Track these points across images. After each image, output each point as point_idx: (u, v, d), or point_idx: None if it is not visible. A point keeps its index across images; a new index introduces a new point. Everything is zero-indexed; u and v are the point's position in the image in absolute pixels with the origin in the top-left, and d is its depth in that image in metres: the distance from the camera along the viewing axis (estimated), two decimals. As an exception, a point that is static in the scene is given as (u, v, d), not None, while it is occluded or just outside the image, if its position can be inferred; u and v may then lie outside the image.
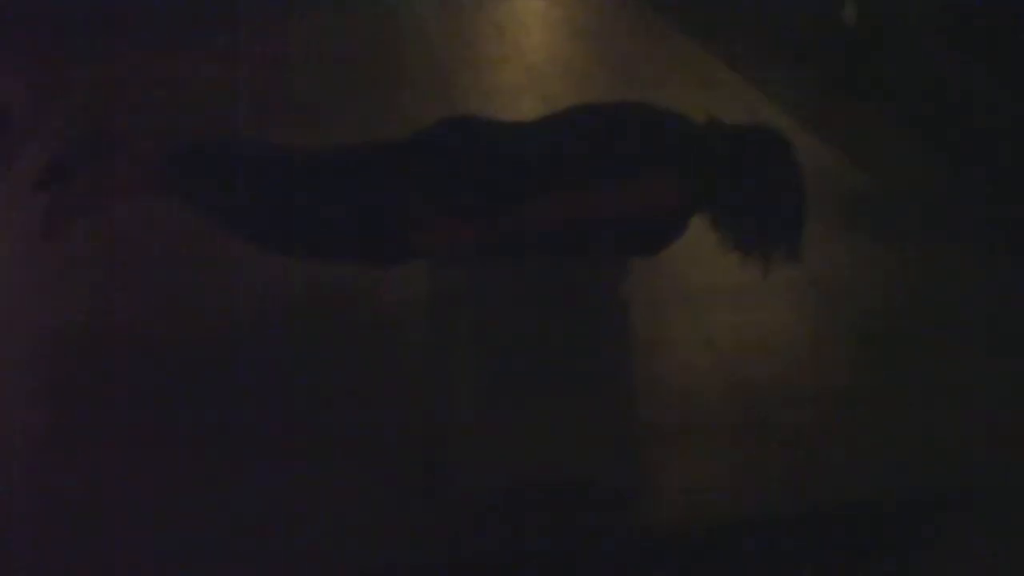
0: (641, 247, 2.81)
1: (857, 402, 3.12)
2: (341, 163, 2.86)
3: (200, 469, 2.83)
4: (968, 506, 2.73)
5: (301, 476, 2.81)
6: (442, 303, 2.78)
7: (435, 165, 2.78)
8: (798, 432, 2.98)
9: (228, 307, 3.57)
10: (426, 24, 7.19)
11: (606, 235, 2.72)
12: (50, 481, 2.82)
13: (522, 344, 2.74)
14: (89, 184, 3.01)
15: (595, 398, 2.76)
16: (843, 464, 2.87)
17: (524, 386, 2.74)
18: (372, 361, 3.28)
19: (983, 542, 2.62)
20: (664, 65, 6.15)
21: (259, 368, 3.23)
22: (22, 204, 4.37)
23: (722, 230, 2.80)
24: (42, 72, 5.95)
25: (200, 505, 2.72)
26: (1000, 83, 4.85)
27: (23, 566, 2.55)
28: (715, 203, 2.78)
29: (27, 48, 6.29)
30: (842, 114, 5.28)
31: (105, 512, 2.71)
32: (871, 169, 4.63)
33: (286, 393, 3.13)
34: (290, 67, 6.16)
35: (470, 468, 2.73)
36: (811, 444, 2.94)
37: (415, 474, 2.81)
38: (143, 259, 3.93)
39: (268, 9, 7.08)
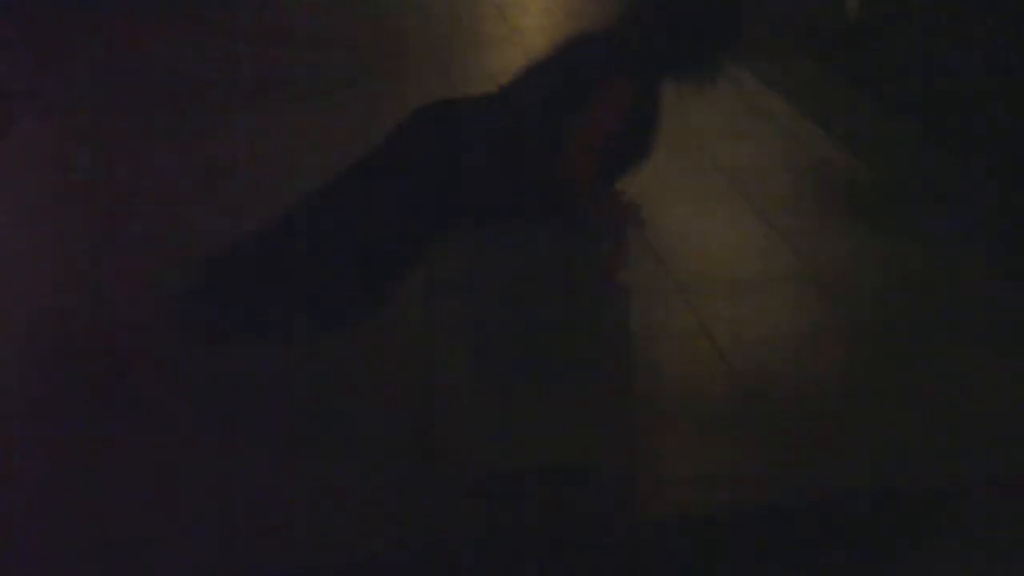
0: (624, 161, 2.80)
1: (856, 395, 3.11)
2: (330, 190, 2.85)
3: (195, 455, 2.84)
4: (966, 502, 2.73)
5: (299, 460, 2.81)
6: (440, 290, 2.77)
7: (420, 159, 2.77)
8: (797, 424, 2.98)
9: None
10: (429, 4, 7.17)
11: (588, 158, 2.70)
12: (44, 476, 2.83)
13: (520, 331, 2.73)
14: None
15: (593, 386, 2.75)
16: (842, 457, 2.86)
17: (521, 373, 2.73)
18: (370, 347, 3.27)
19: (979, 537, 2.62)
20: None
21: (254, 355, 3.22)
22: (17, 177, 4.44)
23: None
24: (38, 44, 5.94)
25: (194, 489, 2.73)
26: (999, 74, 4.84)
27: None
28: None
29: (24, 21, 6.28)
30: (843, 104, 5.27)
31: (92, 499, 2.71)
32: (871, 160, 4.62)
33: (282, 379, 3.12)
34: (291, 47, 6.13)
35: (468, 453, 2.73)
36: (810, 436, 2.93)
37: (412, 459, 2.80)
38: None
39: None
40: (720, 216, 4.13)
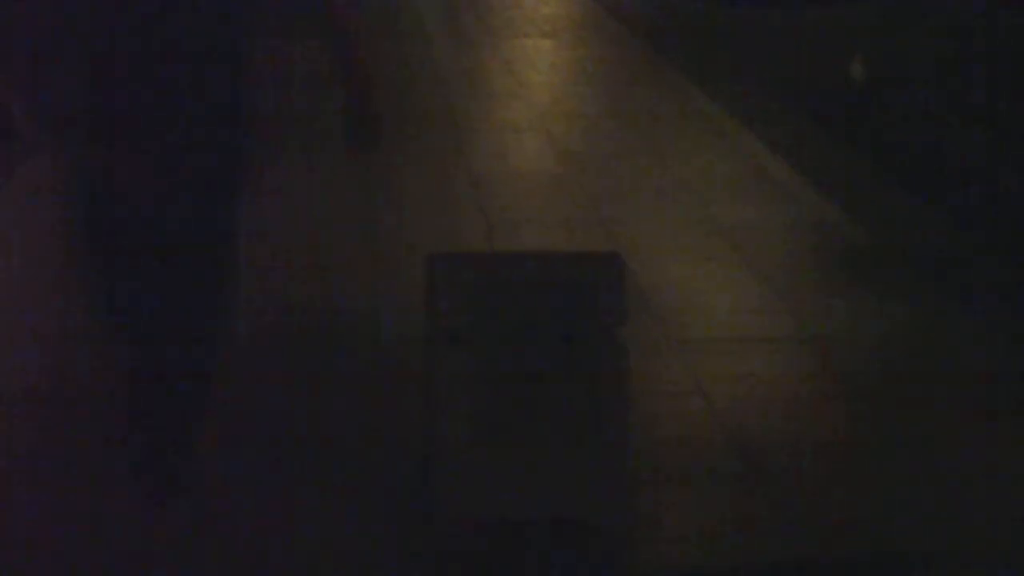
0: None
1: (852, 457, 3.12)
2: None
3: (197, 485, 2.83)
4: (961, 566, 2.73)
5: (295, 507, 2.82)
6: (440, 340, 2.79)
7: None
8: (792, 484, 2.99)
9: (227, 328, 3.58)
10: (439, 58, 7.24)
11: None
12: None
13: (518, 384, 2.75)
14: None
15: (589, 441, 2.76)
16: (837, 518, 2.87)
17: (518, 426, 2.75)
18: (372, 393, 3.29)
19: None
20: (668, 112, 6.19)
21: (260, 394, 3.24)
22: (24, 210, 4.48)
23: None
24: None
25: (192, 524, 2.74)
26: (1001, 140, 4.89)
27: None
28: None
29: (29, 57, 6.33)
30: (844, 167, 5.31)
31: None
32: (870, 223, 4.65)
33: (285, 422, 3.14)
34: (295, 92, 6.20)
35: (464, 504, 2.74)
36: (805, 497, 2.94)
37: (409, 508, 2.82)
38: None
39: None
40: (719, 276, 4.16)
